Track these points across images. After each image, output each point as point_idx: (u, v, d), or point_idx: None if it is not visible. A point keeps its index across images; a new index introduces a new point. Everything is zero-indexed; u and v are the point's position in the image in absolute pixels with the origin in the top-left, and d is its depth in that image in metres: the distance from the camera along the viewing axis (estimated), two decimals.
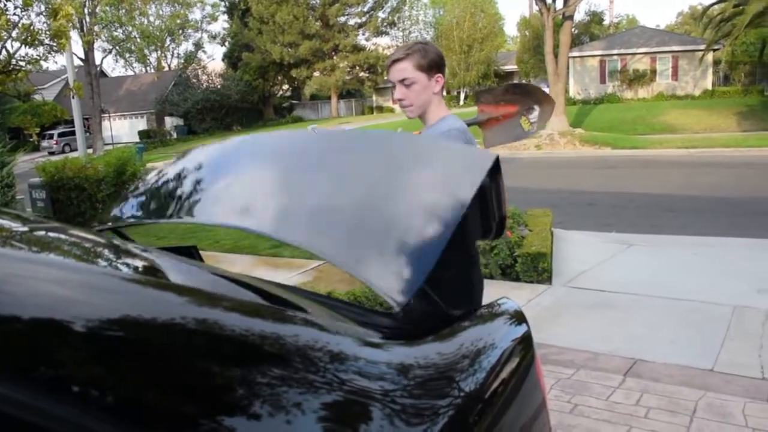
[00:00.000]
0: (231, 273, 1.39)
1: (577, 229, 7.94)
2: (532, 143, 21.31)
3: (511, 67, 44.62)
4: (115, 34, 41.86)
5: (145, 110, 42.22)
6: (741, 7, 24.76)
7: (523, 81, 39.16)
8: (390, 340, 1.14)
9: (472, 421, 1.01)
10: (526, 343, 1.33)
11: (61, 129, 36.92)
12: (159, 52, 49.02)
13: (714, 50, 29.94)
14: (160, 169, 1.89)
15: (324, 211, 1.39)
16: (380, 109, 45.83)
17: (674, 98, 31.23)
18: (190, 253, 1.72)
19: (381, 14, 43.04)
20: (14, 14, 10.04)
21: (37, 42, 9.87)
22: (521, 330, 1.36)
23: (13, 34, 9.82)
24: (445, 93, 4.61)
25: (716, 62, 33.65)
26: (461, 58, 40.81)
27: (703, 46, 28.98)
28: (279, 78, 44.00)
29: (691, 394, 3.40)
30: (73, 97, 15.44)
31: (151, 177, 1.86)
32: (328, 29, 40.70)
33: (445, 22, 44.84)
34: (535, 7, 27.76)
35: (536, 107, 2.32)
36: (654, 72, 32.89)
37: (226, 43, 45.93)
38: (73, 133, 27.58)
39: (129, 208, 1.79)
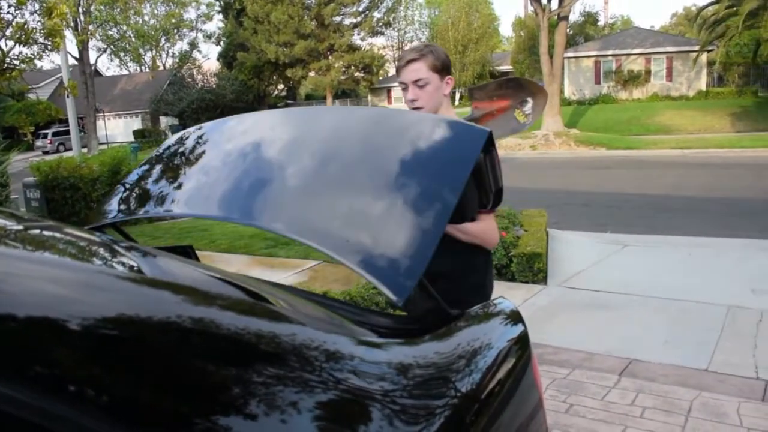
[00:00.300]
0: (227, 273, 1.38)
1: (572, 229, 7.96)
2: (528, 143, 21.36)
3: (506, 67, 44.68)
4: (110, 33, 41.76)
5: (140, 110, 42.11)
6: (734, 8, 24.86)
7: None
8: (386, 340, 1.14)
9: (468, 421, 1.01)
10: (522, 343, 1.33)
11: (55, 128, 36.78)
12: (154, 51, 48.89)
13: (708, 51, 30.05)
14: (149, 159, 1.86)
15: (317, 199, 1.38)
16: None
17: (669, 99, 31.33)
18: (186, 252, 1.71)
19: (376, 14, 43.02)
20: (8, 13, 9.99)
21: (31, 41, 9.83)
22: (518, 330, 1.36)
23: (7, 33, 9.78)
24: None
25: (710, 63, 33.78)
26: (456, 58, 40.82)
27: (697, 47, 29.10)
28: (274, 78, 43.93)
29: (686, 393, 3.41)
30: (67, 96, 15.40)
31: (140, 169, 1.84)
32: (323, 29, 40.65)
33: (441, 23, 44.89)
34: (530, 8, 27.84)
35: (529, 99, 2.32)
36: (648, 73, 32.98)
37: (221, 43, 45.85)
38: (67, 132, 27.51)
39: (120, 205, 1.77)
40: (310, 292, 1.76)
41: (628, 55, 33.21)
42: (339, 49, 41.14)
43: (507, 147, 20.39)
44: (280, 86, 46.94)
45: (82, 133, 28.47)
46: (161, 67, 48.73)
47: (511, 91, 2.38)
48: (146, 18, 45.23)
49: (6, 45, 10.20)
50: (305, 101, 46.19)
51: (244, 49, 41.01)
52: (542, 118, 23.27)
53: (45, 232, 1.23)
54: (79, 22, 27.69)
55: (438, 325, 1.25)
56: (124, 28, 41.62)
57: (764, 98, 29.60)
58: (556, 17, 23.69)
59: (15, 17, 10.21)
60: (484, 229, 2.12)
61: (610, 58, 33.59)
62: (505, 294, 1.81)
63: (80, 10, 27.59)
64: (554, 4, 23.83)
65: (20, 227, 1.21)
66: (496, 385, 1.13)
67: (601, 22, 47.55)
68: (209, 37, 50.30)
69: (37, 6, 12.80)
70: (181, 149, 1.85)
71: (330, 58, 41.63)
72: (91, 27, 30.09)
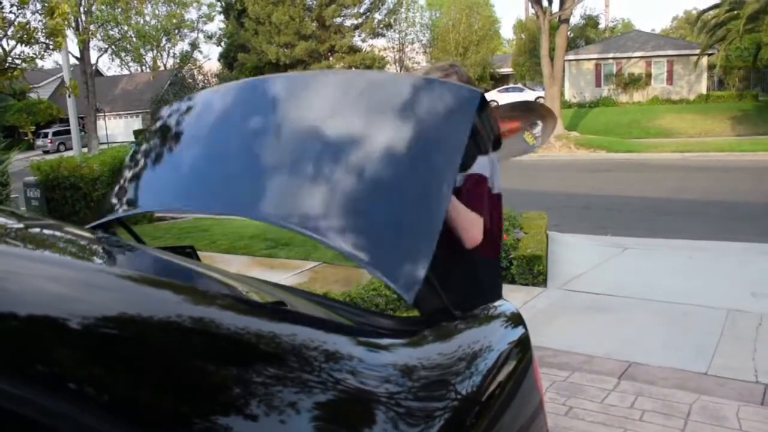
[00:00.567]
0: (228, 273, 1.38)
1: (572, 232, 7.96)
2: None
3: (506, 69, 44.70)
4: (111, 33, 41.72)
5: (141, 110, 42.08)
6: (735, 12, 24.89)
7: (519, 84, 39.23)
8: (387, 341, 1.13)
9: (469, 423, 1.01)
10: (523, 345, 1.32)
11: (56, 128, 36.78)
12: (155, 51, 48.89)
13: (708, 55, 30.07)
14: (139, 149, 1.82)
15: (315, 188, 1.34)
16: None
17: (669, 102, 31.34)
18: (187, 253, 1.71)
19: (377, 16, 43.03)
20: (10, 12, 10.00)
21: (33, 40, 9.82)
22: (519, 332, 1.36)
23: (9, 32, 9.78)
24: None
25: (711, 67, 33.79)
26: (457, 60, 40.79)
27: (697, 51, 29.12)
28: None
29: (685, 397, 3.41)
30: (68, 96, 15.39)
31: (134, 160, 1.80)
32: (324, 30, 40.66)
33: (441, 25, 44.90)
34: (531, 10, 27.85)
35: (539, 122, 2.33)
36: (649, 76, 33.00)
37: (222, 44, 45.85)
38: (68, 131, 27.47)
39: (119, 201, 1.76)
40: (311, 292, 1.75)
41: (629, 58, 33.23)
42: (340, 51, 41.15)
43: None
44: None
45: (83, 133, 28.46)
46: (162, 68, 48.72)
47: (520, 113, 2.38)
48: (147, 18, 45.20)
49: (8, 44, 10.21)
50: None
51: (245, 50, 41.01)
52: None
53: (45, 231, 1.23)
54: (80, 22, 27.70)
55: (439, 327, 1.25)
56: (126, 28, 41.58)
57: (764, 102, 29.61)
58: (557, 20, 23.69)
59: (17, 17, 10.22)
60: (474, 220, 2.06)
61: (610, 61, 33.61)
62: (505, 296, 1.82)
63: (82, 9, 27.59)
64: (555, 7, 23.84)
65: (20, 226, 1.20)
66: (497, 388, 1.13)
67: (601, 25, 47.56)
68: (210, 37, 50.24)
69: (39, 6, 12.80)
70: (171, 133, 1.78)
71: (331, 59, 41.63)
72: (92, 27, 30.10)
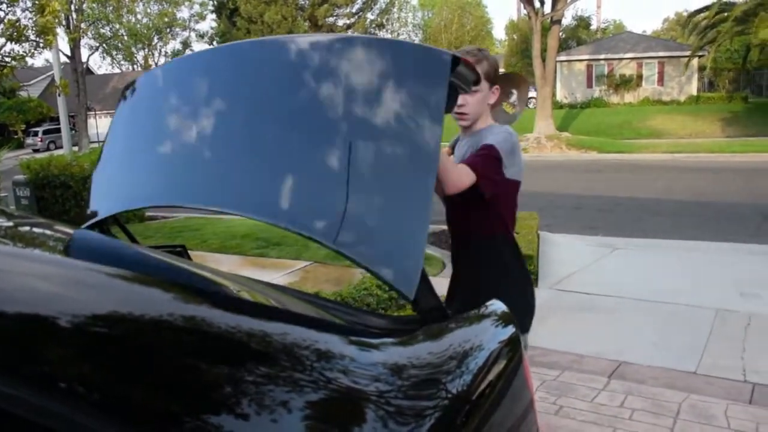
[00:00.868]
0: (220, 272, 1.38)
1: (563, 232, 7.99)
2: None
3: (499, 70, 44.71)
4: (102, 31, 41.54)
5: None
6: (725, 14, 25.05)
7: None
8: (378, 340, 1.14)
9: (460, 422, 1.01)
10: (514, 344, 1.33)
11: (46, 126, 36.56)
12: (146, 50, 48.70)
13: (699, 56, 30.25)
14: (111, 141, 1.75)
15: (299, 180, 1.29)
16: None
17: (660, 103, 31.51)
18: (178, 252, 1.70)
19: (370, 15, 43.04)
20: (0, 9, 9.93)
21: (23, 38, 9.76)
22: (509, 331, 1.36)
23: None
24: None
25: (701, 68, 34.00)
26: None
27: (688, 53, 29.29)
28: None
29: (674, 396, 3.43)
30: (59, 95, 15.32)
31: (111, 154, 1.74)
32: (316, 30, 40.57)
33: (434, 25, 44.97)
34: (524, 11, 27.93)
35: (513, 91, 2.34)
36: (640, 77, 33.17)
37: (214, 42, 45.73)
38: (58, 130, 27.34)
39: (104, 199, 1.73)
40: (302, 291, 1.75)
41: (620, 59, 33.39)
42: None
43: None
44: None
45: (73, 132, 28.30)
46: (153, 66, 48.53)
47: (500, 84, 2.39)
48: (139, 16, 45.05)
49: None
50: None
51: None
52: (534, 121, 23.36)
53: (35, 230, 1.23)
54: (71, 20, 27.56)
55: (430, 326, 1.25)
56: (117, 26, 41.42)
57: (754, 104, 29.82)
58: (549, 21, 23.77)
59: (7, 14, 10.15)
60: (455, 168, 1.99)
61: (602, 62, 33.76)
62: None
63: (72, 7, 27.45)
64: (547, 8, 23.92)
65: (9, 224, 1.20)
66: (487, 387, 1.13)
67: (593, 27, 47.75)
68: (202, 36, 50.09)
69: (29, 3, 12.72)
70: (140, 121, 1.71)
71: None
72: (83, 25, 29.94)
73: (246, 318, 0.97)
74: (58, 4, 9.60)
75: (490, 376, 1.16)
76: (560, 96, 33.59)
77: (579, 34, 43.98)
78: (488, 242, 2.26)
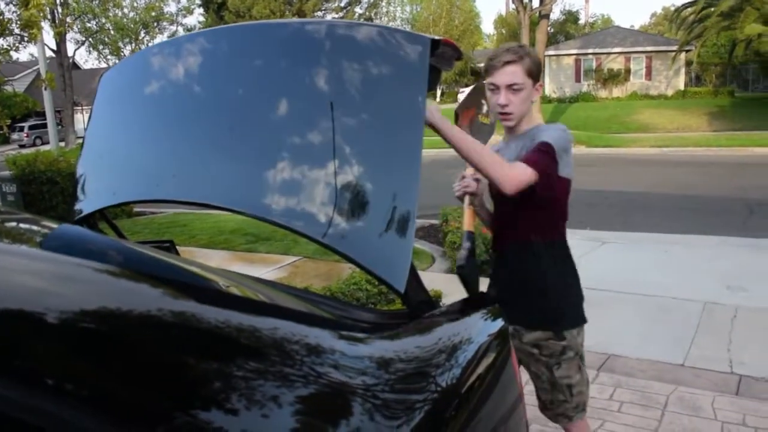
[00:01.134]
0: (208, 267, 1.37)
1: None
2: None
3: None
4: (89, 25, 41.11)
5: None
6: (711, 9, 25.19)
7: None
8: (367, 334, 1.14)
9: (449, 414, 1.02)
10: (502, 337, 1.33)
11: (32, 121, 36.21)
12: (133, 44, 48.27)
13: (686, 51, 30.41)
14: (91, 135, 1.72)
15: (282, 174, 1.29)
16: None
17: (648, 98, 31.65)
18: (166, 247, 1.69)
19: (358, 9, 42.88)
20: None
21: (7, 32, 9.65)
22: (498, 325, 1.37)
23: None
24: None
25: (689, 63, 34.18)
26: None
27: (675, 47, 29.43)
28: None
29: (662, 388, 3.46)
30: (45, 89, 15.14)
31: (93, 149, 1.71)
32: None
33: (422, 19, 44.91)
34: (512, 6, 27.94)
35: (483, 101, 2.30)
36: (628, 71, 33.31)
37: None
38: (44, 125, 27.07)
39: (90, 194, 1.71)
40: (292, 287, 1.74)
41: (608, 53, 33.49)
42: None
43: (488, 144, 20.46)
44: None
45: (60, 127, 28.04)
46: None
47: (472, 100, 2.34)
48: (126, 11, 44.64)
49: None
50: None
51: None
52: None
53: (22, 225, 1.21)
54: (56, 14, 27.26)
55: (419, 320, 1.25)
56: (103, 20, 41.03)
57: (740, 98, 30.03)
58: (537, 15, 23.82)
59: None
60: (515, 167, 1.89)
61: (590, 56, 33.86)
62: (486, 289, 1.81)
63: (58, 1, 27.16)
64: (535, 2, 23.97)
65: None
66: (476, 380, 1.14)
67: (581, 21, 47.89)
68: (189, 30, 49.75)
69: None
70: (126, 110, 1.67)
71: None
72: (69, 19, 29.64)
73: (235, 313, 0.97)
74: None
75: (479, 370, 1.17)
76: (549, 90, 33.66)
77: (567, 28, 44.09)
78: (530, 246, 2.17)
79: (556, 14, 42.93)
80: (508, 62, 2.03)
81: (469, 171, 2.13)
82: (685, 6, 28.75)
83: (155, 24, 47.06)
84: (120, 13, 43.64)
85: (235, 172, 1.36)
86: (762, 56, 26.04)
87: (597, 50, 33.75)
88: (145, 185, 1.54)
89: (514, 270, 2.21)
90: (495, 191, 2.12)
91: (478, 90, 2.31)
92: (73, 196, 1.75)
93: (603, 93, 33.13)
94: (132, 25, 46.37)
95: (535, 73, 2.07)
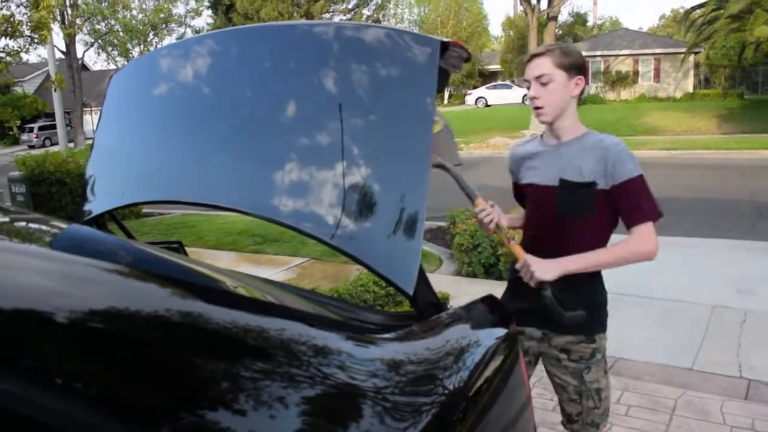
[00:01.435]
0: (217, 268, 1.37)
1: None
2: (514, 143, 21.37)
3: (495, 66, 44.75)
4: (98, 27, 41.32)
5: None
6: (721, 11, 25.08)
7: (507, 81, 39.26)
8: (375, 336, 1.13)
9: (456, 418, 1.01)
10: (510, 340, 1.33)
11: (41, 122, 36.39)
12: (142, 46, 48.48)
13: (695, 53, 30.28)
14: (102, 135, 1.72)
15: (294, 179, 1.28)
16: None
17: (656, 100, 31.51)
18: (174, 248, 1.70)
19: (366, 11, 42.93)
20: None
21: (17, 33, 9.71)
22: (506, 327, 1.37)
23: None
24: None
25: (697, 65, 34.04)
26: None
27: (684, 49, 29.31)
28: None
29: (670, 392, 3.44)
30: (54, 90, 15.23)
31: (103, 149, 1.72)
32: None
33: (430, 21, 44.91)
34: (520, 8, 27.90)
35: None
36: (636, 74, 33.18)
37: None
38: (53, 126, 27.19)
39: (100, 195, 1.72)
40: (299, 288, 1.74)
41: (617, 56, 33.39)
42: None
43: (494, 146, 20.42)
44: None
45: (69, 128, 28.19)
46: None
47: (442, 142, 2.24)
48: (134, 12, 44.84)
49: None
50: None
51: None
52: (530, 117, 23.35)
53: (31, 225, 1.22)
54: (66, 15, 27.42)
55: (427, 322, 1.25)
56: (112, 22, 41.22)
57: (750, 101, 29.85)
58: (545, 17, 23.76)
59: (1, 9, 10.10)
60: (630, 246, 1.99)
61: (598, 58, 33.76)
62: (494, 292, 1.78)
63: (67, 2, 27.31)
64: (544, 4, 23.91)
65: (5, 220, 1.19)
66: (484, 383, 1.13)
67: (589, 23, 47.75)
68: (198, 32, 49.90)
69: None
70: (136, 111, 1.68)
71: None
72: (78, 20, 29.80)
73: (243, 314, 0.97)
74: None
75: (487, 372, 1.16)
76: None
77: (575, 30, 43.97)
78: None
79: (564, 16, 42.87)
80: (535, 55, 2.03)
81: (480, 202, 2.05)
82: (695, 8, 28.63)
83: (164, 26, 47.26)
84: (129, 15, 43.85)
85: (244, 173, 1.37)
86: None
87: (605, 52, 33.65)
88: (153, 186, 1.54)
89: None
90: (532, 208, 2.10)
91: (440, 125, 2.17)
92: (83, 197, 1.76)
93: (611, 95, 33.02)
94: (141, 27, 46.58)
95: (568, 65, 1.99)
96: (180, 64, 1.56)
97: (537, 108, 2.02)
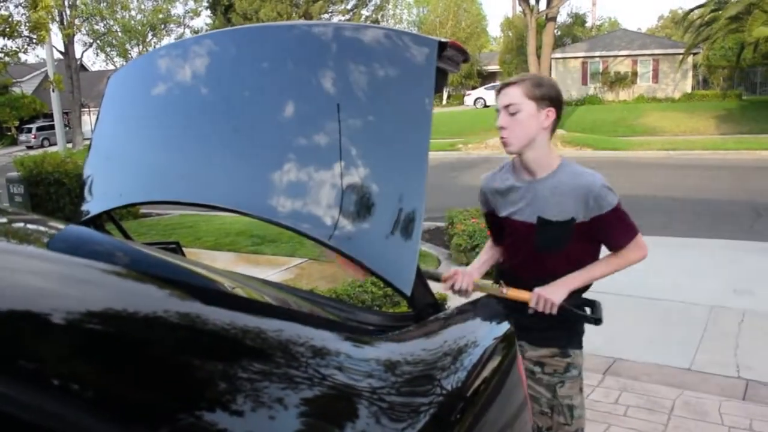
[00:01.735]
0: (214, 269, 1.37)
1: None
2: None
3: (493, 67, 44.79)
4: (96, 27, 41.30)
5: None
6: (720, 12, 25.12)
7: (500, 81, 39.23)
8: (373, 336, 1.14)
9: (454, 418, 1.01)
10: (508, 341, 1.33)
11: (39, 123, 36.35)
12: (140, 46, 48.45)
13: (694, 54, 30.31)
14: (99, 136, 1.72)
15: (292, 180, 1.28)
16: None
17: (654, 101, 31.54)
18: (172, 249, 1.69)
19: (365, 12, 42.93)
20: None
21: (15, 33, 9.70)
22: (503, 328, 1.37)
23: None
24: None
25: (696, 66, 34.07)
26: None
27: (683, 50, 29.34)
28: None
29: (668, 392, 3.44)
30: (53, 91, 15.22)
31: (101, 150, 1.71)
32: None
33: (429, 22, 44.94)
34: (519, 8, 27.93)
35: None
36: (635, 74, 33.22)
37: None
38: (52, 127, 27.18)
39: (98, 195, 1.72)
40: (297, 289, 1.74)
41: (615, 56, 33.42)
42: None
43: (493, 147, 20.42)
44: None
45: (67, 128, 28.18)
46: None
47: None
48: (133, 13, 44.82)
49: None
50: None
51: None
52: None
53: (29, 226, 1.22)
54: (64, 16, 27.41)
55: (425, 323, 1.25)
56: (111, 22, 41.21)
57: (748, 101, 29.88)
58: (544, 18, 23.78)
59: None
60: (622, 258, 2.06)
61: (597, 59, 33.79)
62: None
63: (66, 3, 27.31)
64: (542, 5, 23.93)
65: (3, 221, 1.19)
66: (481, 383, 1.13)
67: (588, 24, 47.78)
68: (197, 33, 49.85)
69: None
70: (134, 111, 1.67)
71: None
72: (76, 21, 29.78)
73: (241, 315, 0.97)
74: None
75: (485, 373, 1.16)
76: None
77: (574, 31, 44.00)
78: (556, 276, 2.05)
79: (563, 17, 42.91)
80: (506, 85, 2.00)
81: (445, 278, 2.05)
82: (694, 8, 28.67)
83: (162, 26, 47.23)
84: (127, 16, 43.83)
85: (242, 174, 1.37)
86: None
87: (604, 53, 33.68)
88: (151, 187, 1.54)
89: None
90: (512, 240, 2.10)
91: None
92: (80, 198, 1.76)
93: (610, 96, 33.04)
94: (139, 28, 46.54)
95: (539, 96, 1.94)
96: (178, 64, 1.56)
97: (502, 138, 1.98)
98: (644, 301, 5.08)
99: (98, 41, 44.05)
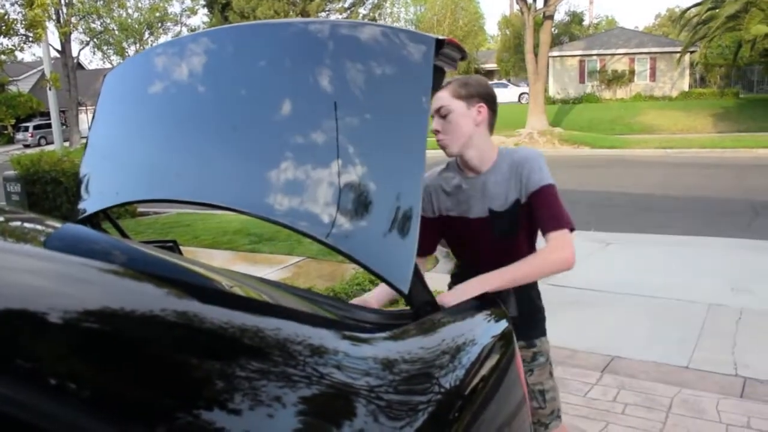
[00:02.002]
0: (212, 267, 1.37)
1: None
2: (511, 141, 21.42)
3: (491, 65, 44.81)
4: (93, 25, 41.20)
5: None
6: (717, 10, 25.16)
7: (504, 80, 39.31)
8: (371, 335, 1.13)
9: (452, 417, 1.01)
10: (506, 339, 1.33)
11: (36, 121, 36.31)
12: (138, 45, 48.37)
13: (691, 52, 30.35)
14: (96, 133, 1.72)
15: (292, 178, 1.28)
16: None
17: (652, 99, 31.60)
18: (169, 247, 1.69)
19: (362, 10, 42.91)
20: None
21: (12, 32, 9.68)
22: (502, 326, 1.37)
23: None
24: None
25: (693, 64, 34.11)
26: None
27: (680, 48, 29.39)
28: None
29: (666, 390, 3.45)
30: (49, 89, 15.20)
31: (97, 148, 1.71)
32: None
33: (426, 20, 44.91)
34: (516, 7, 27.92)
35: None
36: (632, 73, 33.27)
37: None
38: (49, 125, 27.17)
39: (94, 194, 1.71)
40: (295, 287, 1.74)
41: (613, 54, 33.46)
42: None
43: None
44: None
45: (64, 127, 28.14)
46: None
47: None
48: (130, 11, 44.75)
49: None
50: None
51: None
52: (527, 116, 23.39)
53: (25, 224, 1.21)
54: (61, 14, 27.35)
55: (423, 321, 1.25)
56: (108, 20, 41.12)
57: (745, 100, 29.95)
58: (541, 16, 23.77)
59: None
60: (545, 256, 1.91)
61: (594, 57, 33.83)
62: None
63: (62, 1, 27.25)
64: (540, 3, 23.93)
65: (0, 219, 1.19)
66: (480, 381, 1.13)
67: (586, 22, 47.83)
68: (194, 31, 49.78)
69: None
70: (130, 109, 1.67)
71: None
72: (73, 19, 29.72)
73: (238, 313, 0.96)
74: None
75: (483, 371, 1.16)
76: (553, 91, 33.63)
77: (571, 29, 44.04)
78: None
79: (560, 15, 42.94)
80: (435, 90, 2.00)
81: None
82: (691, 7, 28.70)
83: (159, 24, 47.17)
84: (124, 14, 43.78)
85: (239, 172, 1.36)
86: None
87: (601, 51, 33.72)
88: (148, 185, 1.53)
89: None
90: (468, 236, 2.09)
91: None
92: (77, 196, 1.75)
93: (607, 94, 33.09)
94: (136, 26, 46.47)
95: (465, 95, 1.93)
96: (175, 62, 1.56)
97: (440, 141, 1.98)
98: (642, 299, 5.08)
99: (95, 39, 43.96)
